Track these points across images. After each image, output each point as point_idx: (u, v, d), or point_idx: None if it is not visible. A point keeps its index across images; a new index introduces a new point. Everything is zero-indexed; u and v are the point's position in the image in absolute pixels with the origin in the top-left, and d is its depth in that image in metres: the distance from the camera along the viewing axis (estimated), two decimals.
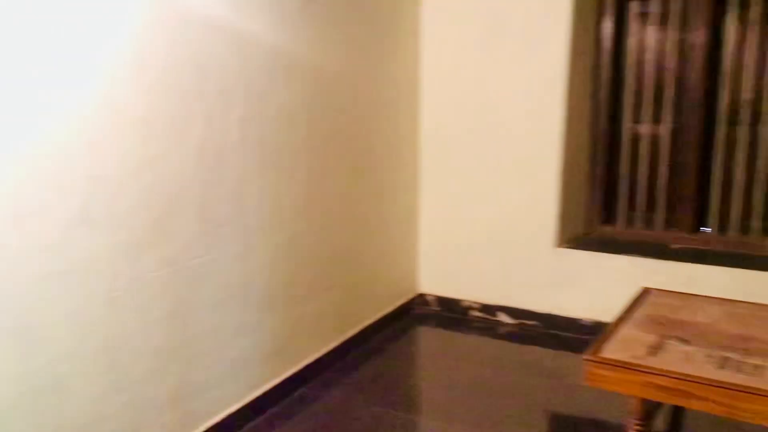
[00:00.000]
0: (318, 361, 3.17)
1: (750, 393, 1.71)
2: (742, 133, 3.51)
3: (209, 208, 2.45)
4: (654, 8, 3.62)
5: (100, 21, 1.99)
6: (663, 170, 3.71)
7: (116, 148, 2.08)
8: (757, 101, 3.45)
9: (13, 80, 1.78)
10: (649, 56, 3.66)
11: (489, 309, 3.92)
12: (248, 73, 2.57)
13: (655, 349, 1.97)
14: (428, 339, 3.84)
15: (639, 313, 2.28)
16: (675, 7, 3.55)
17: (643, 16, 3.66)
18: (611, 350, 1.98)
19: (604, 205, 3.88)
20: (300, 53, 2.84)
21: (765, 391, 1.70)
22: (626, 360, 1.90)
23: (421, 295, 4.11)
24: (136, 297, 2.20)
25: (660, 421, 2.37)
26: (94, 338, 2.08)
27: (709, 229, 3.66)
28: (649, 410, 2.02)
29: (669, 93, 3.62)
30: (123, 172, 2.10)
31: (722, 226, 3.62)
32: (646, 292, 2.49)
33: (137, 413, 2.25)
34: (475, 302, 3.95)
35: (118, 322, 2.15)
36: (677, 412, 2.44)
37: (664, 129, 3.67)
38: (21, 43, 1.79)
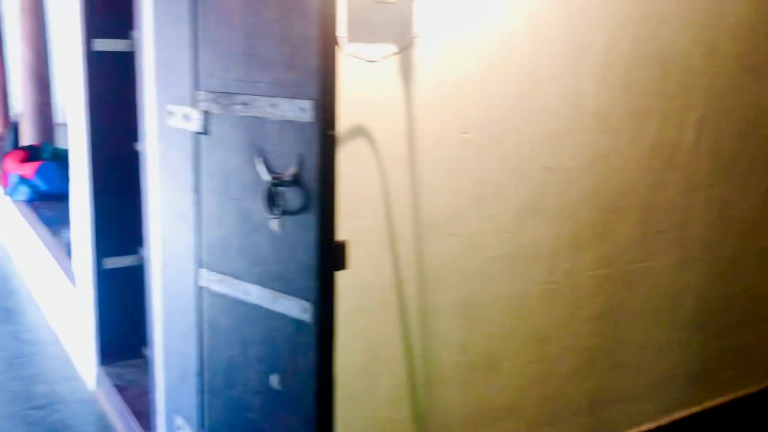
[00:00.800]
0: (743, 399, 2.79)
1: None
2: None
3: (652, 211, 2.31)
4: None
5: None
6: None
7: (572, 141, 2.07)
8: None
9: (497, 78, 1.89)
10: None
11: None
12: (712, 71, 2.33)
13: None
14: None
15: None
16: None
17: None
18: None
19: None
20: None
21: None
22: None
23: None
24: (571, 292, 2.17)
25: None
26: (527, 325, 2.12)
27: None
28: None
29: None
30: (575, 165, 2.09)
31: None
32: None
33: (555, 409, 2.24)
34: None
35: (550, 313, 2.15)
36: None
37: None
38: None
